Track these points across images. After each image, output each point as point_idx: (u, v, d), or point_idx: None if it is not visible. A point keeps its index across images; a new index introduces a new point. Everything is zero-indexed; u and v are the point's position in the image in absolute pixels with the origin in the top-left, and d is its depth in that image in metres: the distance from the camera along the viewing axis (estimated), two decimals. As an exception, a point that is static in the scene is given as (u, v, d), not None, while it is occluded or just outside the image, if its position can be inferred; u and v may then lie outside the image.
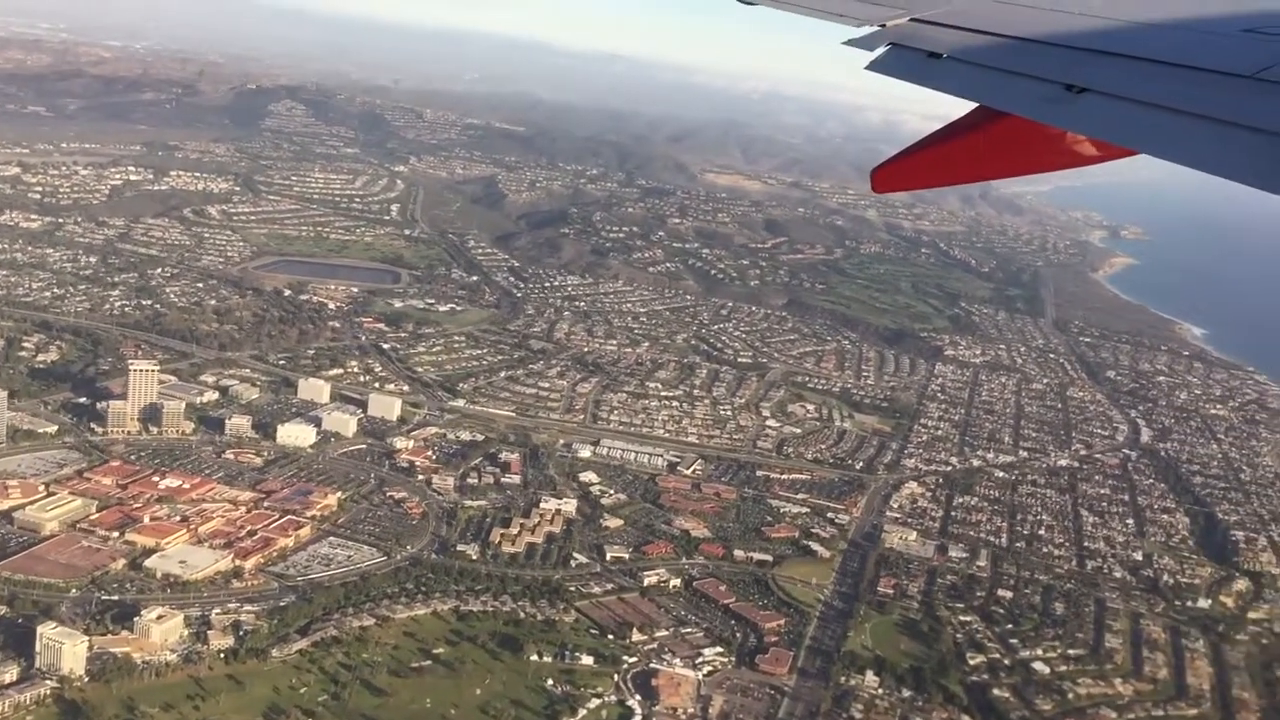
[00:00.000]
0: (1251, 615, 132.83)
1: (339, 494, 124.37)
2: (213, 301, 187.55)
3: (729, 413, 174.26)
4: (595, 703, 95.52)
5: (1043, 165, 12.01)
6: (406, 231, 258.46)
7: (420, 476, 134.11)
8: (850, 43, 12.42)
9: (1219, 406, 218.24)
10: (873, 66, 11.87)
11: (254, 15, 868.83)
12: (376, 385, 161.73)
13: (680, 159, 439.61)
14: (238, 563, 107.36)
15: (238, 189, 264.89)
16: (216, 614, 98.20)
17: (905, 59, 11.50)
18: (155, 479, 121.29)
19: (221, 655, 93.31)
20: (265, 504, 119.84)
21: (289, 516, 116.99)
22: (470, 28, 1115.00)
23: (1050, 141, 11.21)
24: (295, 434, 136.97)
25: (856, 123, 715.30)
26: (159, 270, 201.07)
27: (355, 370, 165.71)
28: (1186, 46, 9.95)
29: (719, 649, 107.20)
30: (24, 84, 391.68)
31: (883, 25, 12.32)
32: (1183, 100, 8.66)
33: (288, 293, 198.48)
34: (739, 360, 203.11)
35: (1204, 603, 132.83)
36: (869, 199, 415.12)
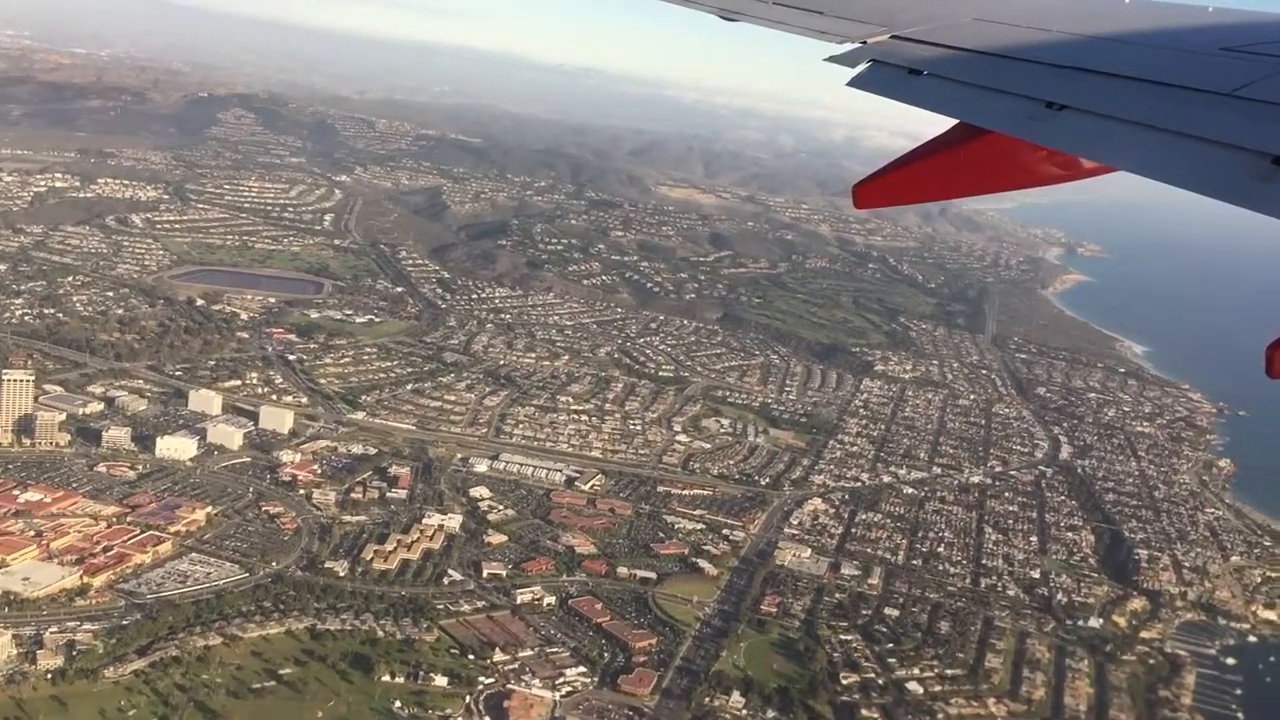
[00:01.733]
0: (1144, 635, 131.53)
1: (209, 509, 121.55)
2: (120, 311, 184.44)
3: (639, 427, 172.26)
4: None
5: (1023, 181, 11.99)
6: (337, 242, 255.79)
7: (301, 491, 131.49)
8: (832, 59, 12.46)
9: (1146, 424, 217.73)
10: (854, 83, 11.94)
11: (227, 26, 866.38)
12: (274, 397, 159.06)
13: (637, 173, 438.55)
14: (85, 579, 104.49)
15: (166, 197, 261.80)
16: (51, 633, 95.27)
17: (886, 75, 11.59)
18: (15, 492, 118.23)
19: (49, 676, 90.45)
20: (129, 519, 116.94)
21: (150, 532, 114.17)
22: (448, 41, 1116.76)
23: (1030, 158, 11.32)
24: (175, 446, 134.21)
25: (820, 138, 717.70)
26: (70, 279, 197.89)
27: (254, 382, 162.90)
28: (1165, 64, 10.03)
29: (583, 669, 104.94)
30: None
31: (864, 42, 12.36)
32: (1161, 117, 8.79)
33: (200, 302, 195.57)
34: (660, 374, 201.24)
35: (1095, 622, 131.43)
36: (822, 213, 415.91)
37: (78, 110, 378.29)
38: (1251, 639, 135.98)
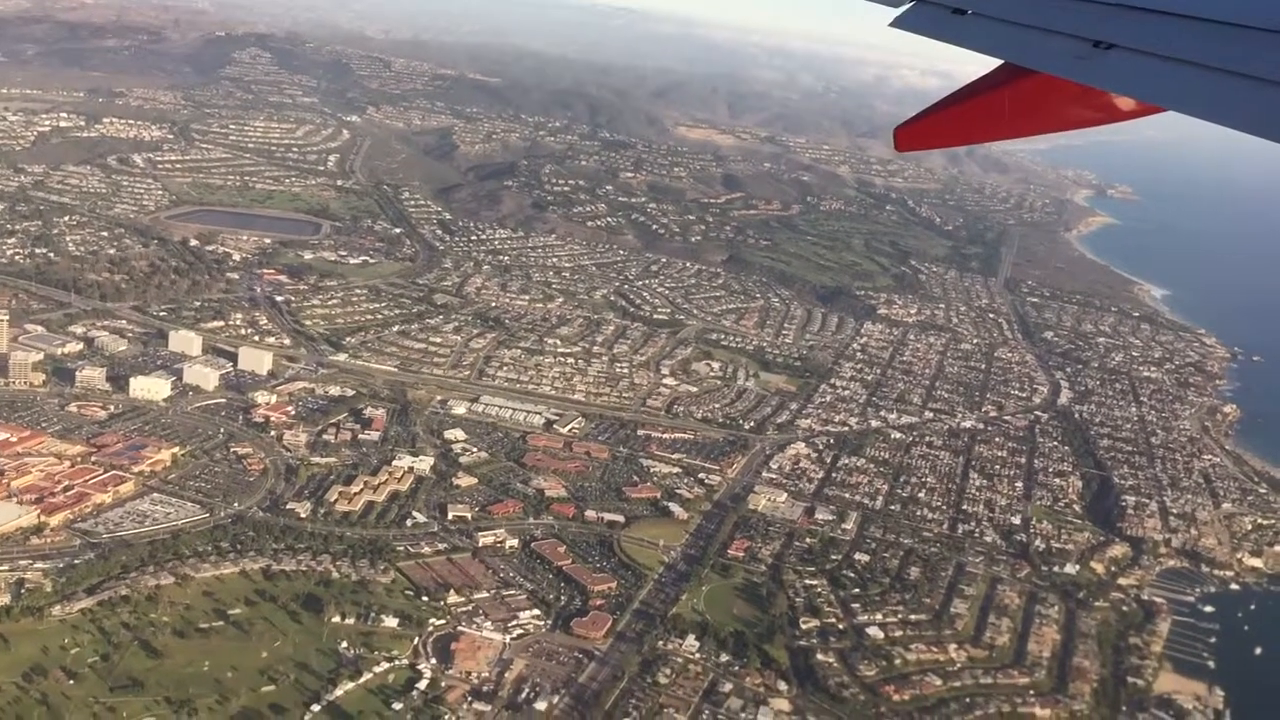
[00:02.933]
0: (1122, 582, 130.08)
1: (176, 449, 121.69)
2: (112, 251, 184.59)
3: (625, 370, 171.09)
4: (384, 666, 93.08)
5: (1069, 123, 11.78)
6: (339, 182, 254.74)
7: (273, 432, 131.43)
8: None
9: (1153, 369, 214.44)
10: (897, 23, 11.78)
11: None
12: (257, 339, 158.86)
13: (656, 113, 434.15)
14: (43, 518, 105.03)
15: (171, 137, 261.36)
16: (1, 571, 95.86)
17: (929, 15, 11.45)
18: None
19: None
20: (93, 459, 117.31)
21: (113, 472, 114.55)
22: None
23: (1077, 99, 11.10)
24: (149, 387, 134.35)
25: (849, 78, 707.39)
26: (66, 218, 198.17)
27: (238, 323, 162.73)
28: (1214, 1, 9.55)
29: (537, 612, 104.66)
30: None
31: None
32: (1212, 56, 8.54)
33: (194, 243, 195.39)
34: (655, 317, 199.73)
35: (1071, 569, 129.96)
36: (843, 154, 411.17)
37: (92, 50, 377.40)
38: (1234, 587, 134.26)
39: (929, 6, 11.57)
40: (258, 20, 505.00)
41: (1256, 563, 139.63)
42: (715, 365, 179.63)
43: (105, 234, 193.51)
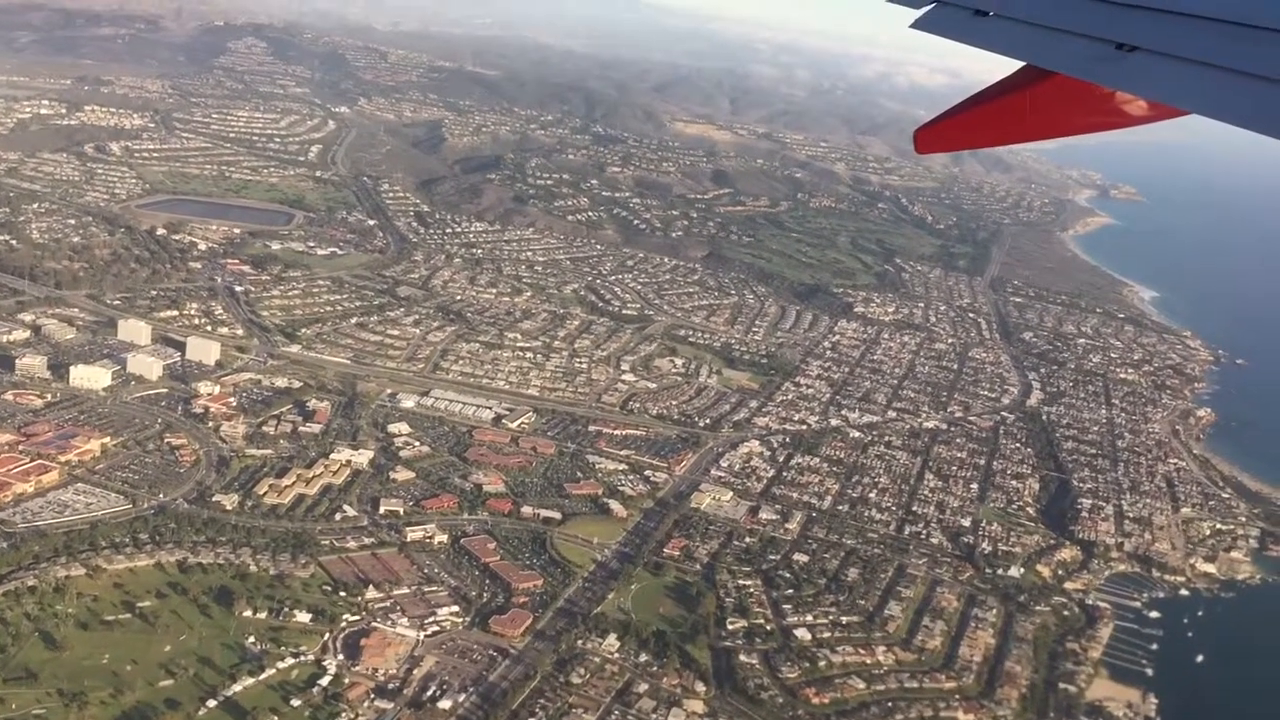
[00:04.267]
0: (1068, 586, 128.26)
1: (106, 439, 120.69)
2: (76, 239, 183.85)
3: (584, 365, 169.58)
4: (290, 662, 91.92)
5: (1091, 125, 11.70)
6: (319, 173, 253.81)
7: (211, 423, 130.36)
8: (896, 0, 12.31)
9: (1131, 371, 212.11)
10: (917, 24, 11.75)
11: None
12: (210, 329, 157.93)
13: (655, 108, 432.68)
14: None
15: (152, 125, 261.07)
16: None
17: (951, 17, 11.47)
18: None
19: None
20: (21, 447, 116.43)
21: (39, 461, 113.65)
22: None
23: (1098, 101, 11.12)
24: (89, 376, 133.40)
25: (854, 75, 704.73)
26: (35, 205, 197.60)
27: (193, 313, 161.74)
28: (1239, 3, 9.46)
29: (456, 609, 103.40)
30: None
31: None
32: (1234, 58, 8.53)
33: (161, 232, 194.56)
34: (624, 312, 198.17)
35: (1016, 572, 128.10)
36: (840, 151, 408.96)
37: (86, 38, 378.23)
38: (1184, 593, 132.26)
39: (950, 8, 11.53)
40: (261, 11, 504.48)
41: (1209, 569, 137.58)
42: (678, 362, 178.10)
43: (72, 221, 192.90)
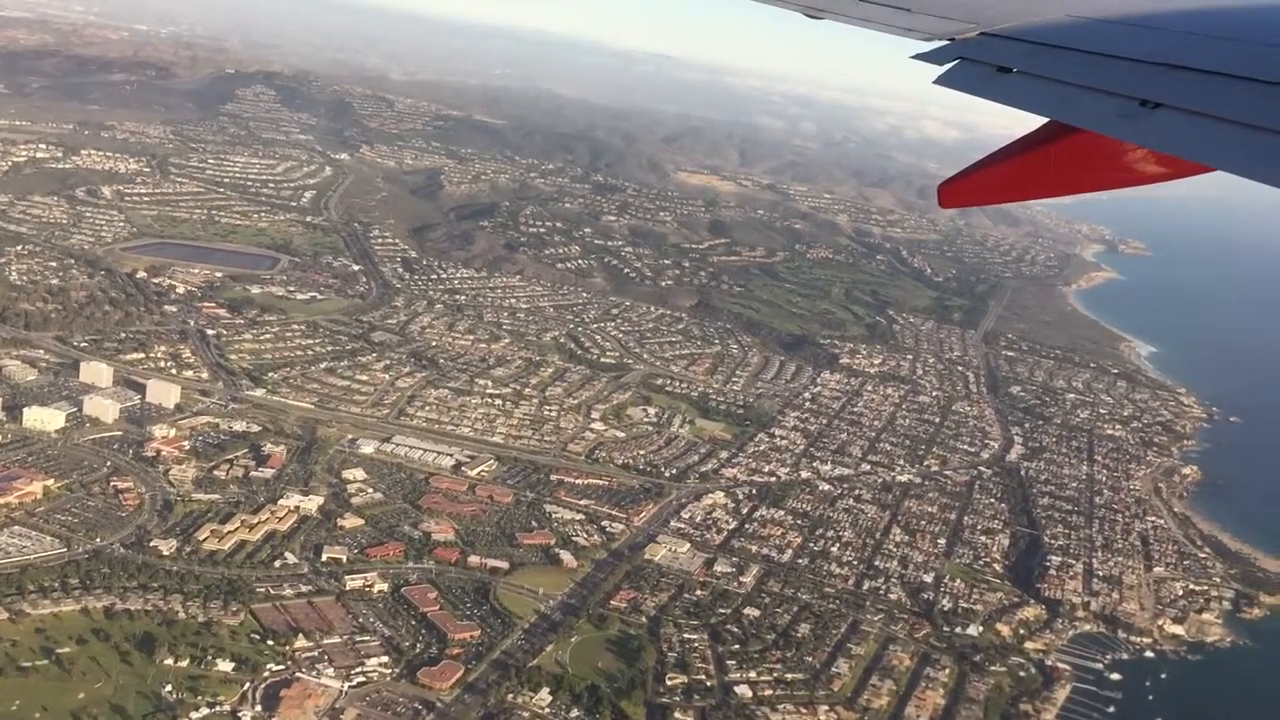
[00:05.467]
0: (1028, 645, 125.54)
1: (50, 482, 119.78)
2: (54, 281, 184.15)
3: (554, 413, 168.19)
4: (204, 712, 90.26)
5: (1115, 181, 11.75)
6: (309, 218, 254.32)
7: (161, 467, 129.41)
8: (918, 57, 12.38)
9: (1119, 427, 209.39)
10: (941, 80, 11.81)
11: (310, 8, 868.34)
12: (174, 371, 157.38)
13: (660, 158, 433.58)
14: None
15: (147, 170, 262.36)
16: None
17: (974, 73, 11.52)
18: None
19: None
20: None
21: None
22: (530, 25, 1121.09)
23: (1122, 157, 11.19)
24: (42, 418, 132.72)
25: (866, 128, 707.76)
26: (18, 248, 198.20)
27: (160, 356, 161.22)
28: (1265, 60, 9.69)
29: (385, 659, 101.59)
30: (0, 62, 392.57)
31: (951, 39, 12.28)
32: (1261, 116, 8.56)
33: (142, 275, 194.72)
34: (602, 360, 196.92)
35: (974, 630, 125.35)
36: (844, 203, 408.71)
37: (96, 84, 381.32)
38: (1149, 654, 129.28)
39: (973, 65, 11.52)
40: (277, 60, 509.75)
41: (1178, 630, 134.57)
42: (651, 411, 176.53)
43: (54, 264, 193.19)
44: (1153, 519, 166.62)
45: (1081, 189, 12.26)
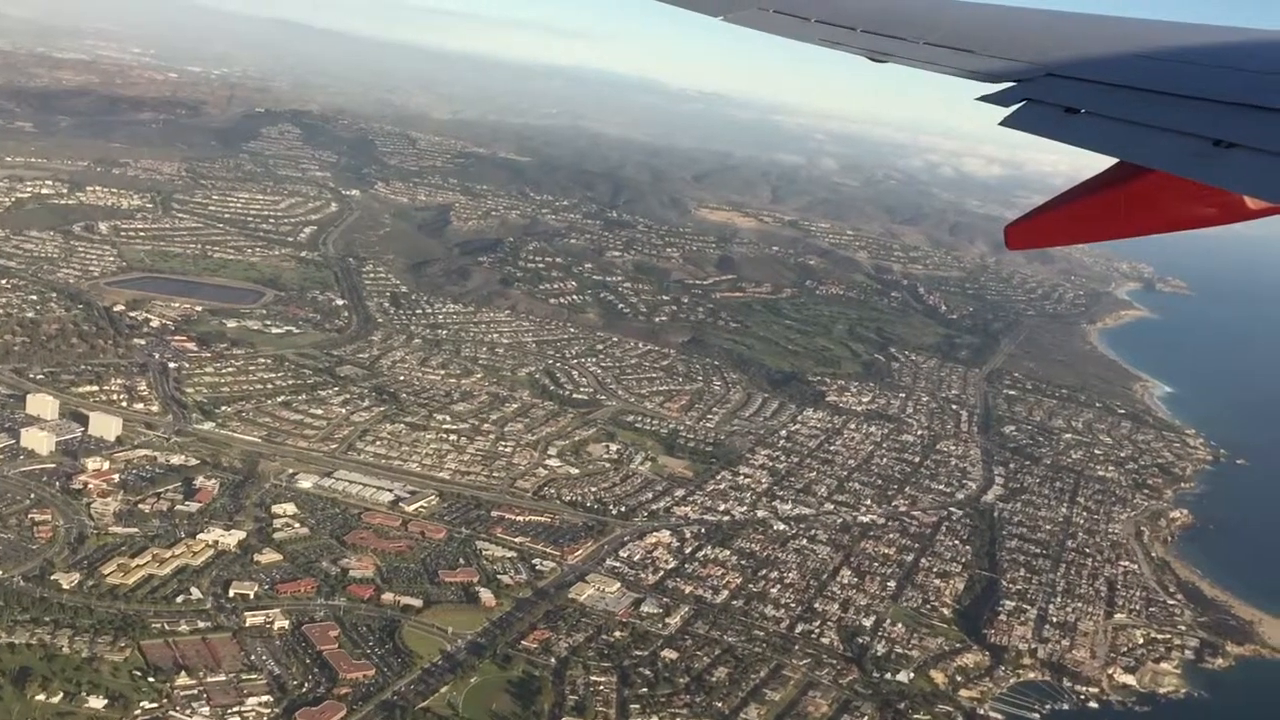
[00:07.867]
0: (962, 693, 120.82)
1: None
2: (29, 314, 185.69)
3: (508, 449, 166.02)
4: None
5: (1187, 222, 11.54)
6: (304, 254, 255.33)
7: (85, 500, 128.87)
8: (985, 99, 12.33)
9: (1111, 468, 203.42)
10: (1007, 122, 11.73)
11: (366, 50, 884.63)
12: (126, 404, 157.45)
13: (685, 195, 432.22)
14: None
15: (149, 206, 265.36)
16: None
17: (1041, 114, 11.43)
18: None
19: None
20: None
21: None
22: (591, 66, 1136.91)
23: (1195, 198, 11.07)
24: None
25: (901, 165, 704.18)
26: (2, 282, 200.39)
27: (114, 388, 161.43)
28: None
29: (267, 698, 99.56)
30: (35, 100, 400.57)
31: (1017, 80, 12.25)
32: None
33: (120, 308, 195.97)
34: (574, 396, 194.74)
35: (905, 676, 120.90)
36: (867, 239, 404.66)
37: (123, 122, 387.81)
38: (1093, 704, 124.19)
39: (1040, 106, 11.41)
40: (322, 98, 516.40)
41: (1129, 680, 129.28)
42: (613, 447, 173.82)
43: (34, 297, 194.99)
44: (1125, 564, 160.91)
45: (1153, 230, 11.83)
